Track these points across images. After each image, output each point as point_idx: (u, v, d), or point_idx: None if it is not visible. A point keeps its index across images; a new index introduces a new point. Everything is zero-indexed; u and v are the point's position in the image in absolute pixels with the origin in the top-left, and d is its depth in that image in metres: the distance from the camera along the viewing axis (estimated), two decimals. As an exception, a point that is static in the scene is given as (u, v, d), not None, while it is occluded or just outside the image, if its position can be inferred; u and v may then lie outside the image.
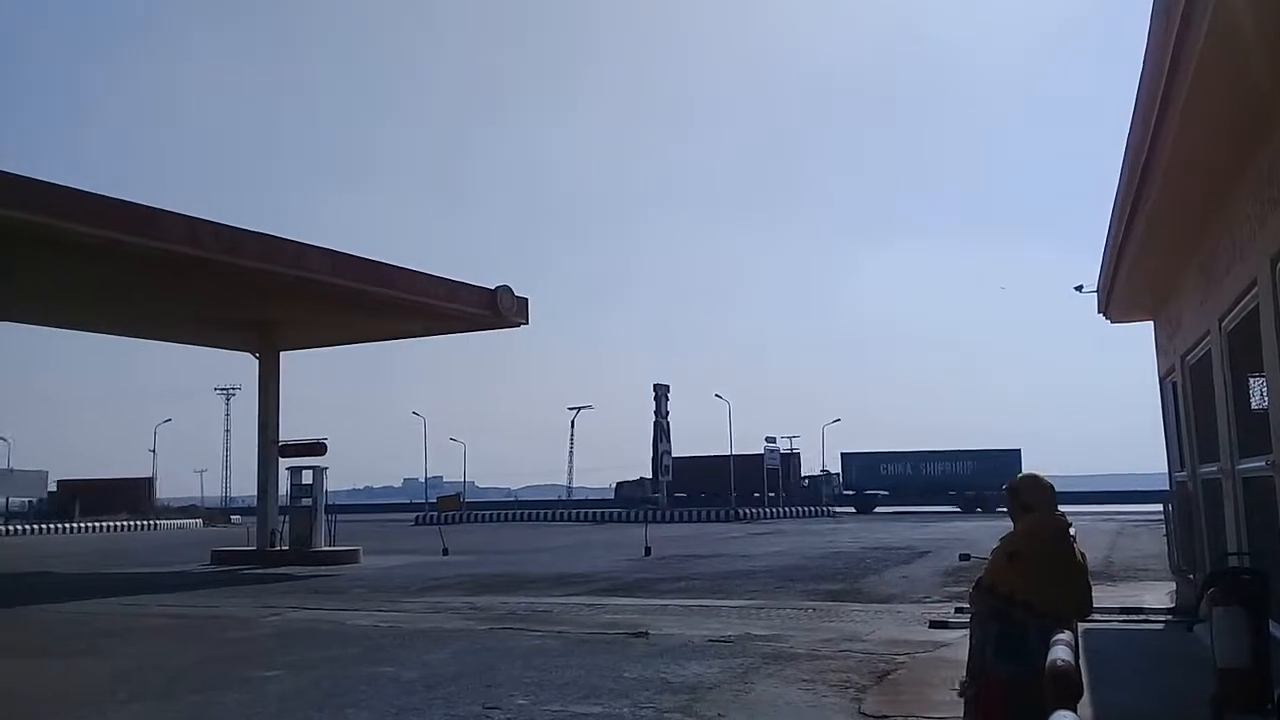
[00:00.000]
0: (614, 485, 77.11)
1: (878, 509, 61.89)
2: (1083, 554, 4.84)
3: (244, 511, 62.10)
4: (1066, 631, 4.29)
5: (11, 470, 63.25)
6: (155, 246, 19.18)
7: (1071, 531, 4.85)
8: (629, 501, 66.59)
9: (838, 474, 68.74)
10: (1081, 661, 4.04)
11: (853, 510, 62.32)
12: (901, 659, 9.51)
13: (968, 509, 55.72)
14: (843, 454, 69.10)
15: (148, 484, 73.99)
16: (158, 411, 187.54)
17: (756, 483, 62.14)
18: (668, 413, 62.62)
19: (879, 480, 64.22)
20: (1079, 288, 14.14)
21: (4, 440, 75.00)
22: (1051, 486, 4.98)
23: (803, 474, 70.15)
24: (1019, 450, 60.68)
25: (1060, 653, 3.82)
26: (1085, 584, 4.77)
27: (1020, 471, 5.40)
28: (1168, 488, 13.82)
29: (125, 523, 59.87)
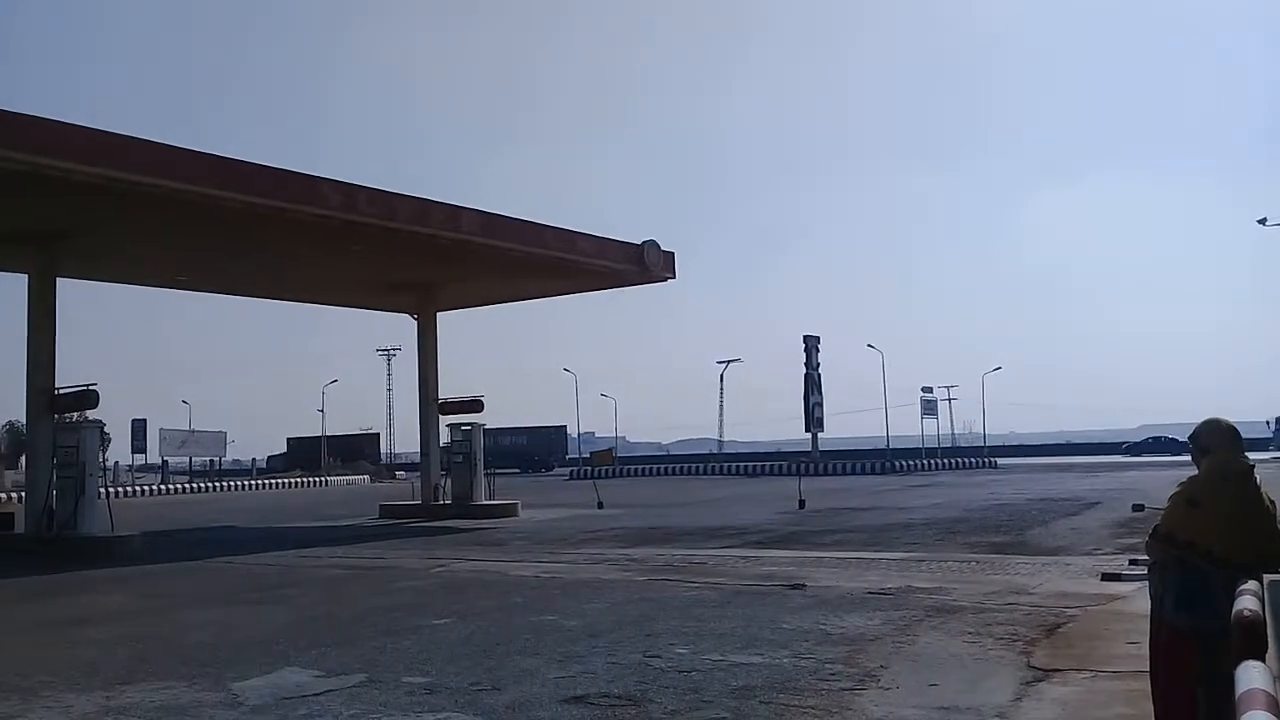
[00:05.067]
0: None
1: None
2: (1272, 500, 4.57)
3: (408, 467, 64.54)
4: (1253, 581, 4.08)
5: (194, 432, 67.17)
6: (318, 214, 19.91)
7: (1257, 477, 4.59)
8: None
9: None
10: (1267, 613, 3.83)
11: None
12: (1072, 612, 9.22)
13: (526, 470, 70.55)
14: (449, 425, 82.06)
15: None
16: (325, 373, 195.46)
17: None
18: (818, 364, 61.84)
19: None
20: (1262, 221, 13.35)
21: (186, 404, 79.74)
22: (1233, 429, 4.71)
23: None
24: (564, 426, 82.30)
25: (1247, 602, 3.63)
26: (1274, 530, 4.51)
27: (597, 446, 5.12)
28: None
29: (297, 479, 63.01)
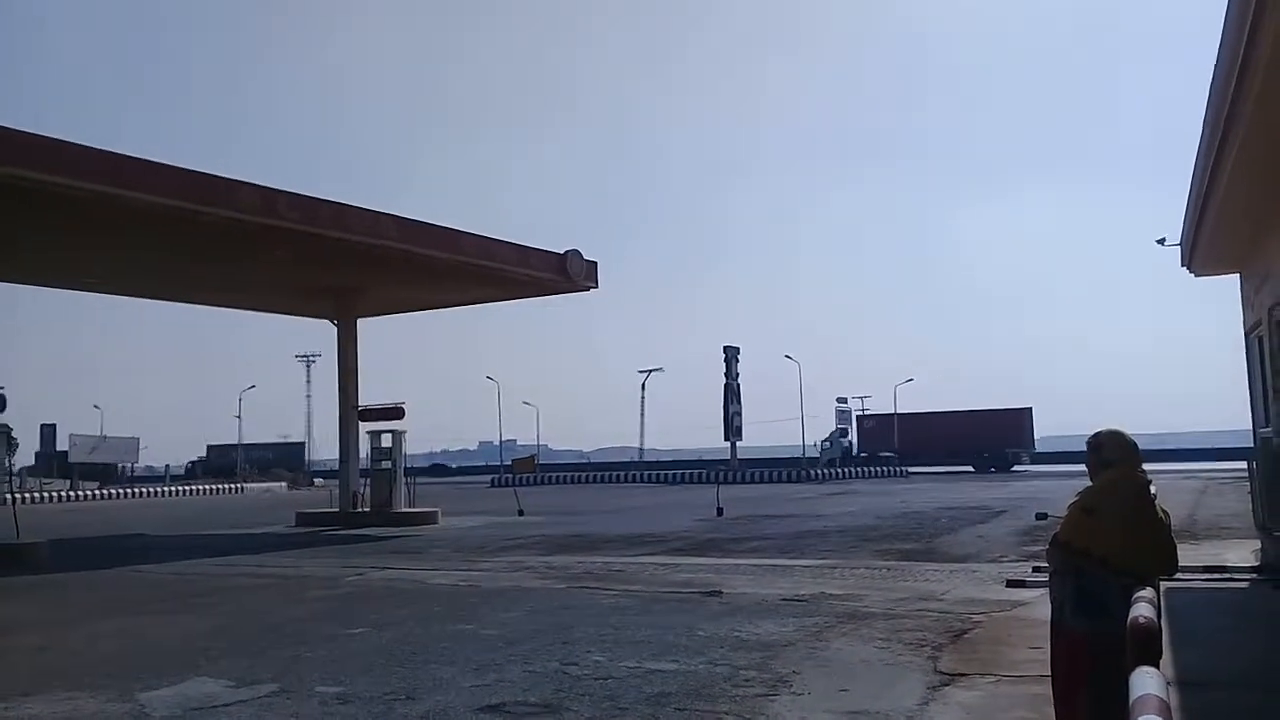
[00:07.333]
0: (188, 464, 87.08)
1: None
2: (1165, 511, 4.76)
3: (326, 475, 63.51)
4: (1149, 589, 4.24)
5: (105, 437, 65.28)
6: (234, 217, 19.56)
7: (1152, 489, 4.78)
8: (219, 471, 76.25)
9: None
10: (1163, 620, 3.99)
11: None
12: (978, 618, 9.46)
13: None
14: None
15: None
16: (243, 378, 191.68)
17: None
18: (738, 374, 62.36)
19: None
20: (1161, 240, 13.85)
21: (97, 408, 77.53)
22: (1134, 443, 4.89)
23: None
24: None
25: (1142, 609, 3.78)
26: (1169, 541, 4.69)
27: None
28: (1252, 444, 13.51)
29: (213, 486, 61.62)
